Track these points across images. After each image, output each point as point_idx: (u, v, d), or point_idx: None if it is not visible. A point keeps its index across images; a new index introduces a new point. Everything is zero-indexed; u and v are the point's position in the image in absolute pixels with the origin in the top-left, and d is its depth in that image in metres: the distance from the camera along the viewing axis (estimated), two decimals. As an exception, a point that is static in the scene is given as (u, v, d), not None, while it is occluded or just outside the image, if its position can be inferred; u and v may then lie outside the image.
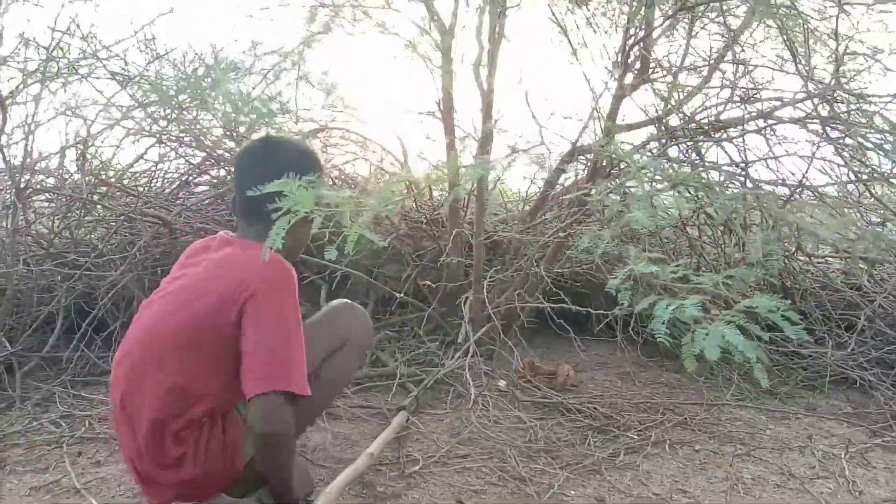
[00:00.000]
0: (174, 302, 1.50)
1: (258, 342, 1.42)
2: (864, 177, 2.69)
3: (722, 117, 2.72)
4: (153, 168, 3.08)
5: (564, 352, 3.02)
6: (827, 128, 2.30)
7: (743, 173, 2.67)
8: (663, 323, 1.36)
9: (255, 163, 1.58)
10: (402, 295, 2.98)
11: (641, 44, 2.69)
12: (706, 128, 2.77)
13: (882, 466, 1.99)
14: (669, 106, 2.77)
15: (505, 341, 2.71)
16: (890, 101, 2.15)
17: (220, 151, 2.97)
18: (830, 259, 3.12)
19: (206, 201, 2.94)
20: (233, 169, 1.81)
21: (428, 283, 3.02)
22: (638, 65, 2.74)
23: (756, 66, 2.66)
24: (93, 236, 2.95)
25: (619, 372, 2.80)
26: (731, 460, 1.98)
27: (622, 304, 1.50)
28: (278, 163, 1.49)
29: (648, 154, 2.90)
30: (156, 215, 2.58)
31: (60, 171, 2.84)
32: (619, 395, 2.50)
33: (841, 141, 2.31)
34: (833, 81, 2.27)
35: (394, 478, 1.84)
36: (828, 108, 2.29)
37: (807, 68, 2.34)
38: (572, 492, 1.80)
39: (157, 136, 2.89)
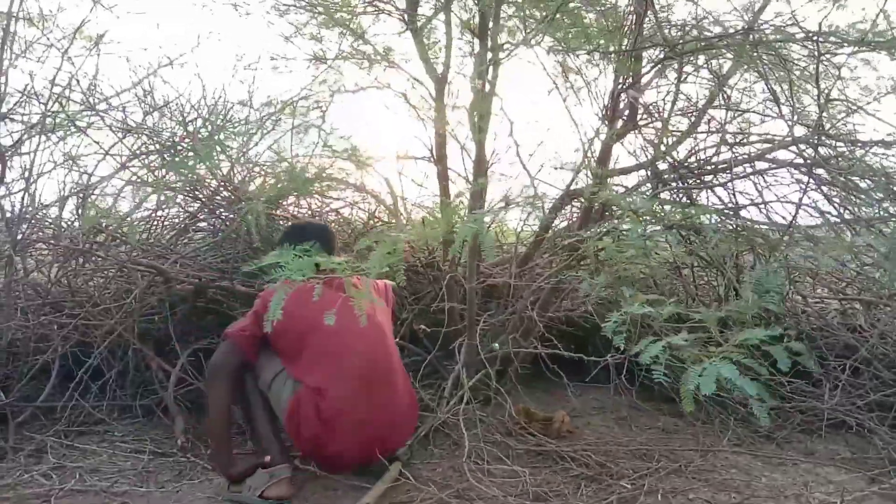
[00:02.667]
0: None
1: None
2: (851, 218, 2.71)
3: (711, 161, 2.75)
4: (151, 216, 3.12)
5: (561, 397, 2.99)
6: (814, 171, 2.32)
7: (734, 215, 2.69)
8: (660, 363, 1.37)
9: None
10: (398, 340, 2.97)
11: (629, 91, 2.73)
12: (696, 172, 2.80)
13: (879, 516, 1.96)
14: (659, 151, 2.80)
15: (499, 388, 2.70)
16: (872, 146, 2.17)
17: (217, 200, 3.02)
18: (827, 300, 3.11)
19: (204, 248, 2.97)
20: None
21: (423, 327, 3.02)
22: (627, 112, 2.78)
23: (744, 112, 2.69)
24: (90, 284, 2.97)
25: (615, 417, 2.78)
26: (726, 510, 1.95)
27: (617, 347, 1.50)
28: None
29: (641, 197, 2.93)
30: (150, 265, 2.61)
31: (59, 221, 2.88)
32: (614, 442, 2.47)
33: (827, 183, 2.33)
34: (816, 126, 2.29)
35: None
36: (812, 152, 2.31)
37: (792, 113, 2.37)
38: (562, 545, 1.77)
39: (155, 185, 2.94)
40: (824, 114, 2.28)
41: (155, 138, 3.00)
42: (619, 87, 2.72)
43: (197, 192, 3.10)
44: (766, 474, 2.22)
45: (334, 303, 1.96)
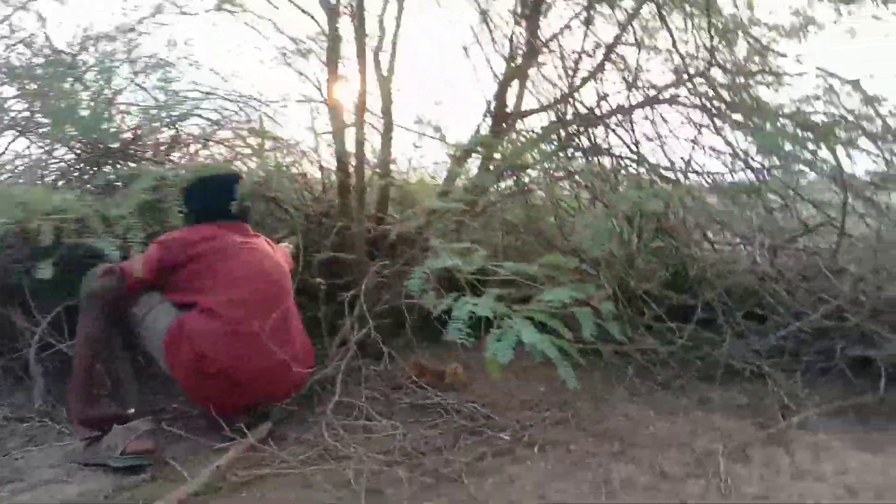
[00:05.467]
0: None
1: None
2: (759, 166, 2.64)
3: (613, 104, 2.62)
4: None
5: (463, 351, 2.87)
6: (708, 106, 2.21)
7: (636, 156, 2.57)
8: (461, 320, 1.25)
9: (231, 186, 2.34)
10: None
11: (529, 27, 2.57)
12: (599, 115, 2.67)
13: (760, 462, 1.89)
14: (562, 93, 2.66)
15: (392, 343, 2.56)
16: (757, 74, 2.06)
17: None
18: (733, 246, 3.03)
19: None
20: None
21: (319, 280, 2.85)
22: (526, 49, 2.62)
23: (646, 50, 2.56)
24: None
25: (516, 369, 2.66)
26: (603, 460, 1.86)
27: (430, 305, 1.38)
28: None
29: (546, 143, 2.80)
30: None
31: None
32: (506, 393, 2.37)
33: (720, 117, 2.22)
34: (709, 61, 2.17)
35: (233, 490, 1.69)
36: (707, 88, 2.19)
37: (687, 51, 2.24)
38: (424, 503, 1.66)
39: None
40: (718, 45, 2.16)
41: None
42: (519, 14, 2.54)
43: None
44: (654, 423, 2.15)
45: (241, 242, 2.17)
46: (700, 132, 2.33)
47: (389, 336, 2.70)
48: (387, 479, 1.77)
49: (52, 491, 1.78)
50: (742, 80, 2.21)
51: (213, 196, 2.33)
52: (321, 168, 3.18)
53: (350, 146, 2.82)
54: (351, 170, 2.87)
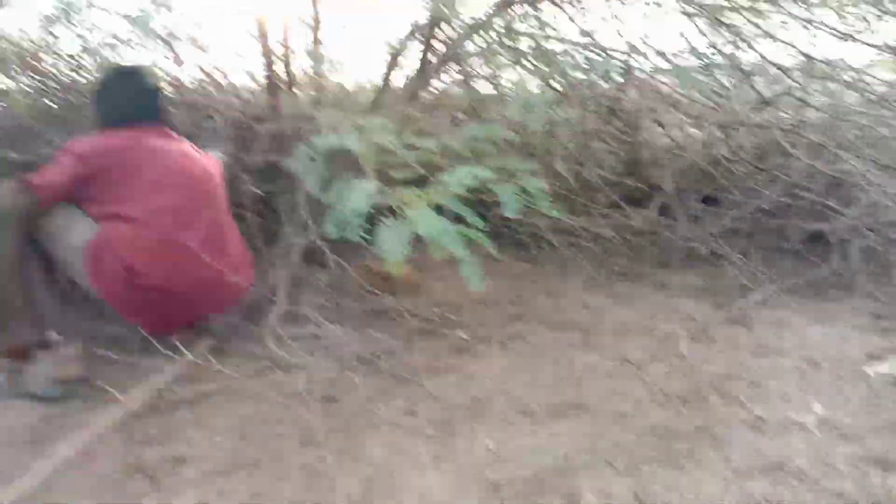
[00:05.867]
0: None
1: None
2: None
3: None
4: None
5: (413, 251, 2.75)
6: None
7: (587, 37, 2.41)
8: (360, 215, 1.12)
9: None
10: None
11: None
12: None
13: (722, 340, 1.86)
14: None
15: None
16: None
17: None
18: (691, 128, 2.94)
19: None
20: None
21: (253, 189, 2.66)
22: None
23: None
24: None
25: (468, 267, 2.57)
26: (565, 351, 1.80)
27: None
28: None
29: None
30: None
31: None
32: (460, 292, 2.28)
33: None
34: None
35: (173, 408, 1.57)
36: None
37: None
38: (382, 407, 1.57)
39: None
40: None
41: None
42: None
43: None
44: (614, 310, 2.09)
45: (162, 147, 1.95)
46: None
47: (336, 241, 2.56)
48: (341, 385, 1.68)
49: (-29, 425, 1.63)
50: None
51: (125, 95, 2.07)
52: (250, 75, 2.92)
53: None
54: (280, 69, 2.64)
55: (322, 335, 1.96)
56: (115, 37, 2.96)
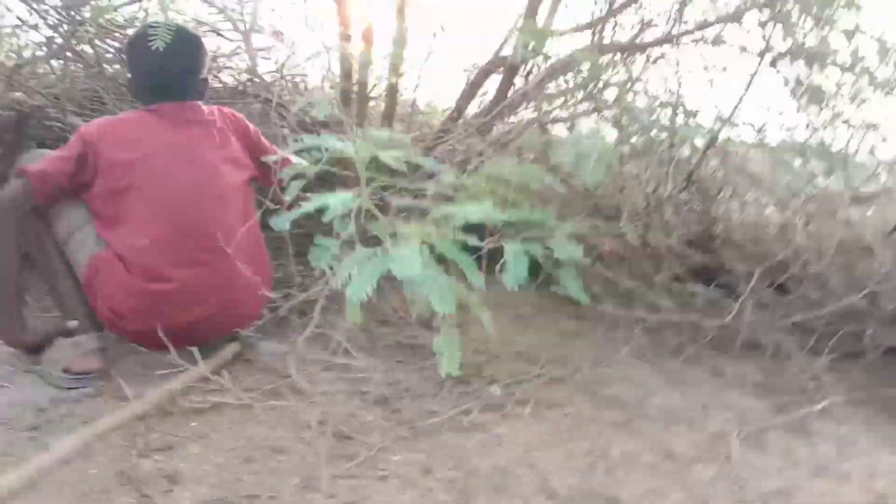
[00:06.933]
0: None
1: None
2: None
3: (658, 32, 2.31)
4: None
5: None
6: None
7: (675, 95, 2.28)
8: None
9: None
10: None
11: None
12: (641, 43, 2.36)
13: (778, 451, 1.68)
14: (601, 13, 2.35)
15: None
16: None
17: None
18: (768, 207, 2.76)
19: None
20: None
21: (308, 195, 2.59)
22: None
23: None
24: None
25: (511, 315, 2.44)
26: (604, 430, 1.65)
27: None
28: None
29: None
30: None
31: None
32: (501, 340, 2.15)
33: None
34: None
35: (184, 416, 1.49)
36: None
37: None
38: (397, 457, 1.45)
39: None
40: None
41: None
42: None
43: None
44: (662, 392, 1.93)
45: (174, 146, 1.73)
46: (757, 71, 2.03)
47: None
48: (357, 424, 1.57)
49: (-21, 396, 1.58)
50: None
51: (143, 60, 1.79)
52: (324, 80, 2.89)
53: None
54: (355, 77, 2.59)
55: (348, 364, 1.86)
56: (197, 21, 2.98)
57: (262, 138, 2.02)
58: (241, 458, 1.39)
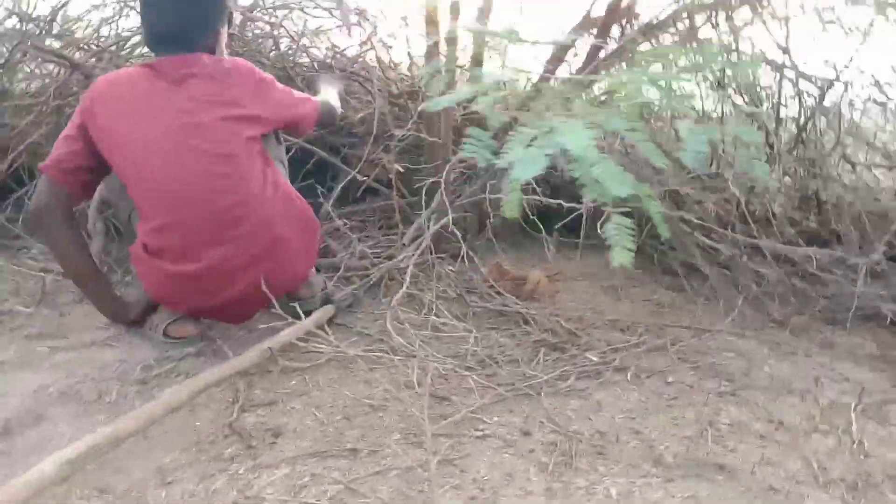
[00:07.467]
0: None
1: None
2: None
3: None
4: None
5: (557, 260, 2.57)
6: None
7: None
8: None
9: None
10: (365, 178, 2.55)
11: None
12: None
13: (901, 424, 1.56)
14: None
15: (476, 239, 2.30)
16: None
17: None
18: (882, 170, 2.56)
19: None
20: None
21: (397, 166, 2.58)
22: None
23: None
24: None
25: (604, 285, 2.37)
26: (710, 399, 1.57)
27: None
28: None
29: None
30: (57, 53, 2.17)
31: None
32: (593, 310, 2.09)
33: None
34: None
35: (277, 380, 1.51)
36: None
37: None
38: (496, 418, 1.43)
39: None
40: None
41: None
42: None
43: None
44: (770, 363, 1.83)
45: (168, 121, 1.53)
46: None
47: (469, 235, 2.45)
48: (455, 385, 1.55)
49: (92, 353, 1.65)
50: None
51: (148, 5, 1.63)
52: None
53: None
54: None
55: (442, 327, 1.85)
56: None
57: (280, 86, 1.76)
58: (340, 415, 1.40)
